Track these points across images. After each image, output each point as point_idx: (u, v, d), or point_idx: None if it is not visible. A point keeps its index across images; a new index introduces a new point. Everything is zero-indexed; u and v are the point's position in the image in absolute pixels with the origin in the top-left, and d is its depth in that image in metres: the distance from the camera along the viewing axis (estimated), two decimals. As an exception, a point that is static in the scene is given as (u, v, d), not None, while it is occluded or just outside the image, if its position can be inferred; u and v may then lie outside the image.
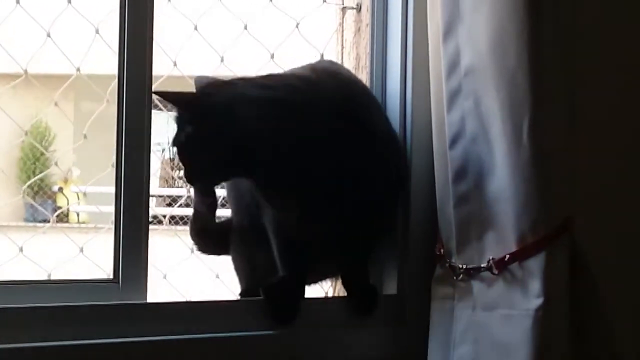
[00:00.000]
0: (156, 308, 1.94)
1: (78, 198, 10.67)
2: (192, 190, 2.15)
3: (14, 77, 2.81)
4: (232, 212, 2.22)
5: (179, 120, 1.93)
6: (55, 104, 3.14)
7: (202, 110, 1.89)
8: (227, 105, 1.89)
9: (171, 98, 1.92)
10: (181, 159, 1.94)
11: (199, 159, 1.92)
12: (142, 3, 1.97)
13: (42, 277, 2.16)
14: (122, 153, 1.97)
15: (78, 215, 10.30)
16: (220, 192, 2.26)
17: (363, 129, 2.01)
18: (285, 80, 2.01)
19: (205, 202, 2.16)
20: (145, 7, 1.98)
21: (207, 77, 1.99)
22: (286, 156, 1.91)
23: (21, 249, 2.37)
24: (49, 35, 2.30)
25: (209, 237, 2.27)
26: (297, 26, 2.39)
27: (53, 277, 2.15)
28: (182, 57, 2.40)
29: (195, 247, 2.30)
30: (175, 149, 1.94)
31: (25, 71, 2.41)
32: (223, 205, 2.31)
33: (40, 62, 2.49)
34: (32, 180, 9.62)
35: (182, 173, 1.99)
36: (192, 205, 2.27)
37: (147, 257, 1.99)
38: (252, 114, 1.89)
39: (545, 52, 1.88)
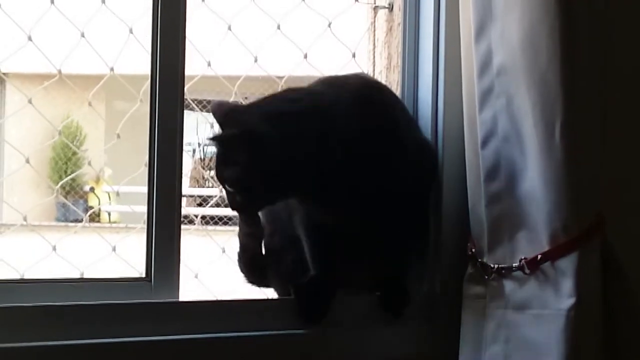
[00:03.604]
0: (188, 307, 1.95)
1: (109, 198, 10.73)
2: (224, 191, 2.15)
3: (47, 77, 2.83)
4: (265, 230, 2.22)
5: (225, 156, 1.93)
6: (89, 104, 3.16)
7: (249, 142, 1.88)
8: (262, 130, 1.88)
9: (218, 139, 1.92)
10: (235, 191, 1.93)
11: (252, 187, 1.92)
12: (175, 3, 1.98)
13: (75, 275, 2.18)
14: (154, 153, 1.98)
15: (109, 214, 10.37)
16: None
17: (390, 125, 2.03)
18: (306, 91, 2.03)
19: (253, 233, 2.17)
20: (179, 7, 1.98)
21: (223, 103, 1.98)
22: (323, 164, 1.92)
23: (54, 248, 2.38)
24: (82, 36, 2.32)
25: (257, 268, 2.24)
26: (329, 26, 2.39)
27: (86, 276, 2.17)
28: (216, 57, 2.41)
29: (244, 279, 2.28)
30: (226, 184, 1.94)
31: (59, 71, 2.43)
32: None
33: (74, 62, 2.51)
34: (65, 179, 9.70)
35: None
36: (237, 233, 2.25)
37: (180, 256, 2.00)
38: (292, 129, 1.89)
39: (577, 52, 1.87)
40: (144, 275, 1.99)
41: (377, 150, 1.97)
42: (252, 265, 2.24)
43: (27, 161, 2.59)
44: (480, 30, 1.98)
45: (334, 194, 1.95)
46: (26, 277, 2.11)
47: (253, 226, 2.17)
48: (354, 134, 1.94)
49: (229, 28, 2.38)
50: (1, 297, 1.82)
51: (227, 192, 1.96)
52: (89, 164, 7.82)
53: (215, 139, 1.91)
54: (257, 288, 2.30)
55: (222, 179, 1.95)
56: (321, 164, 1.91)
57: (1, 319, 1.76)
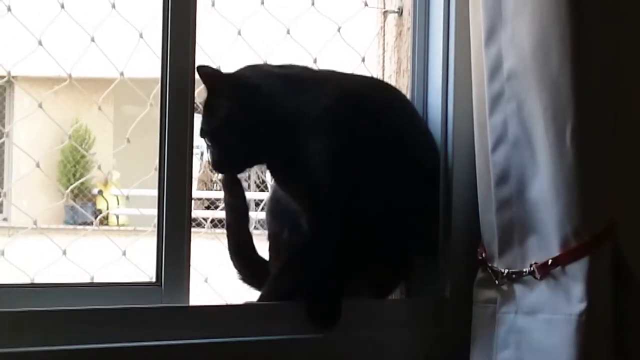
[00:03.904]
0: (198, 311, 1.96)
1: (118, 201, 10.74)
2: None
3: (56, 80, 2.83)
4: (270, 229, 2.20)
5: (209, 105, 1.98)
6: (99, 108, 3.16)
7: (234, 88, 1.96)
8: (257, 83, 1.96)
9: (210, 77, 1.98)
10: (215, 144, 1.98)
11: (231, 139, 1.97)
12: (185, 8, 1.98)
13: (85, 279, 2.18)
14: (164, 156, 1.98)
15: (118, 218, 10.38)
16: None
17: (390, 109, 2.09)
18: (311, 69, 2.11)
19: (238, 206, 2.15)
20: (189, 12, 1.99)
21: (209, 67, 2.02)
22: (306, 133, 1.95)
23: (64, 252, 2.38)
24: (93, 40, 2.32)
25: (250, 263, 2.19)
26: (338, 30, 2.39)
27: (96, 280, 2.17)
28: (226, 61, 2.41)
29: (237, 275, 2.19)
30: (207, 136, 1.98)
31: (70, 75, 2.43)
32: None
33: (83, 66, 2.51)
34: (76, 184, 9.70)
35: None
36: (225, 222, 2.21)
37: (190, 260, 2.00)
38: (281, 90, 1.96)
39: (588, 55, 1.87)
40: (154, 280, 1.99)
41: (376, 150, 1.99)
42: (245, 261, 2.20)
43: (38, 165, 2.59)
44: (491, 34, 1.98)
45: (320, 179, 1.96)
46: (36, 281, 2.11)
47: (235, 196, 2.13)
48: (351, 128, 1.98)
49: (239, 32, 2.38)
50: (11, 301, 1.82)
51: (209, 149, 2.00)
52: (99, 167, 7.83)
53: (201, 69, 1.97)
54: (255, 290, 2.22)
55: (204, 132, 2.00)
56: (304, 131, 1.95)
57: (11, 323, 1.76)
